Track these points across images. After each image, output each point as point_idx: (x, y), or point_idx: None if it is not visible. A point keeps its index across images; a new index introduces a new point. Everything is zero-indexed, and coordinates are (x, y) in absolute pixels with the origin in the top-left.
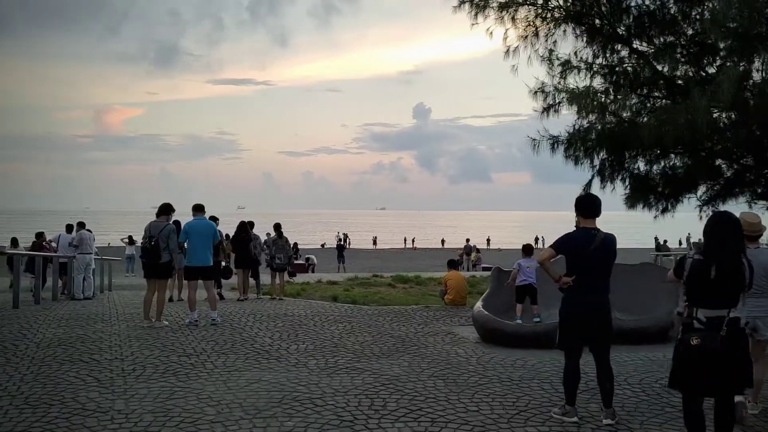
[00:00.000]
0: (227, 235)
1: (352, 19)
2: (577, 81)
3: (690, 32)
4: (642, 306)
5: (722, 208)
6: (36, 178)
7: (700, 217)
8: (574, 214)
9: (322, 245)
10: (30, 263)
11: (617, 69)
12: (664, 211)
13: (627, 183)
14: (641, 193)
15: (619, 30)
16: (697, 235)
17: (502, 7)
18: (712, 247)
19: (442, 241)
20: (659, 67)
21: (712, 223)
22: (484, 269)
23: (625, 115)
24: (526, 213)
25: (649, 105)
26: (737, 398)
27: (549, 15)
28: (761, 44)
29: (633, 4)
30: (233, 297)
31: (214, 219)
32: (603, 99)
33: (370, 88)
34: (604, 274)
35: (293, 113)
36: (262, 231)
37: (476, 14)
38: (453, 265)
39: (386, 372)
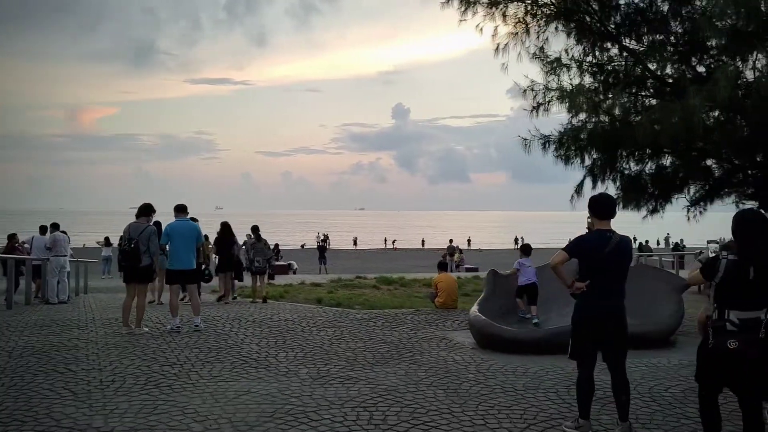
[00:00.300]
0: (205, 236)
1: (332, 19)
2: (567, 79)
3: (680, 30)
4: (642, 309)
5: (710, 208)
6: (8, 178)
7: (688, 218)
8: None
9: (302, 246)
10: (2, 265)
11: (607, 67)
12: (653, 211)
13: (618, 183)
14: (633, 194)
15: (608, 27)
16: (677, 236)
17: (491, 3)
18: (745, 247)
19: (422, 242)
20: (651, 66)
21: (738, 222)
22: (468, 270)
23: (617, 113)
24: (504, 213)
25: (640, 104)
26: None
27: (539, 12)
28: (759, 42)
29: (623, 2)
30: (212, 299)
31: (193, 220)
32: (595, 97)
33: (349, 88)
34: (619, 277)
35: (272, 113)
36: (241, 232)
37: (465, 10)
38: (443, 267)
39: (382, 381)
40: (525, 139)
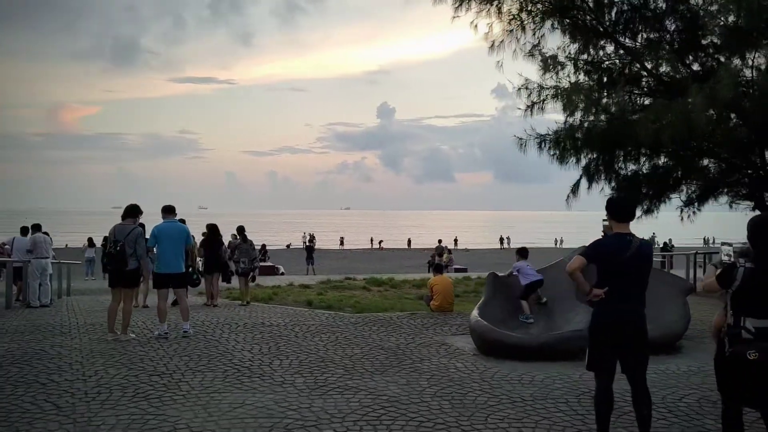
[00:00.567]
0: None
1: (317, 19)
2: (563, 77)
3: (674, 28)
4: (647, 314)
5: (704, 208)
6: None
7: (681, 219)
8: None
9: (288, 246)
10: None
11: (603, 65)
12: (648, 211)
13: (613, 183)
14: (630, 193)
15: (604, 25)
16: (664, 236)
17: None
18: (764, 254)
19: (409, 242)
20: (648, 64)
21: (755, 227)
22: (457, 270)
23: (614, 110)
24: (489, 213)
25: (638, 102)
26: None
27: (534, 8)
28: (759, 40)
29: None
30: (199, 301)
31: (181, 221)
32: (592, 95)
33: (334, 87)
34: (639, 283)
35: (257, 113)
36: (226, 233)
37: (458, 6)
38: (438, 269)
39: (383, 391)
40: (520, 139)
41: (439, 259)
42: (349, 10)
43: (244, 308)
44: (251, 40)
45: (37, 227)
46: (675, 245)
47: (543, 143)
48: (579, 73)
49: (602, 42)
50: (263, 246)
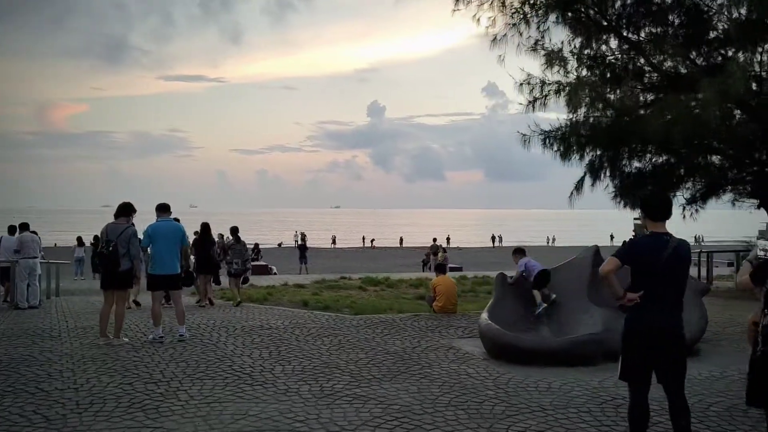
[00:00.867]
0: None
1: (308, 17)
2: (566, 72)
3: (678, 22)
4: None
5: (707, 206)
6: None
7: (684, 217)
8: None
9: (279, 244)
10: None
11: (606, 60)
12: None
13: (618, 180)
14: (638, 191)
15: (607, 18)
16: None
17: None
18: None
19: (401, 240)
20: (654, 59)
21: None
22: (452, 269)
23: (620, 106)
24: (480, 211)
25: (642, 98)
26: None
27: (537, 1)
28: None
29: None
30: (192, 301)
31: (175, 219)
32: (599, 89)
33: (325, 86)
34: (676, 287)
35: (247, 111)
36: (216, 231)
37: None
38: (441, 269)
39: (394, 400)
40: (524, 135)
41: (434, 258)
42: (339, 8)
43: (240, 310)
44: (242, 38)
45: (24, 226)
46: None
47: (547, 139)
48: (582, 68)
49: (605, 36)
50: (256, 245)
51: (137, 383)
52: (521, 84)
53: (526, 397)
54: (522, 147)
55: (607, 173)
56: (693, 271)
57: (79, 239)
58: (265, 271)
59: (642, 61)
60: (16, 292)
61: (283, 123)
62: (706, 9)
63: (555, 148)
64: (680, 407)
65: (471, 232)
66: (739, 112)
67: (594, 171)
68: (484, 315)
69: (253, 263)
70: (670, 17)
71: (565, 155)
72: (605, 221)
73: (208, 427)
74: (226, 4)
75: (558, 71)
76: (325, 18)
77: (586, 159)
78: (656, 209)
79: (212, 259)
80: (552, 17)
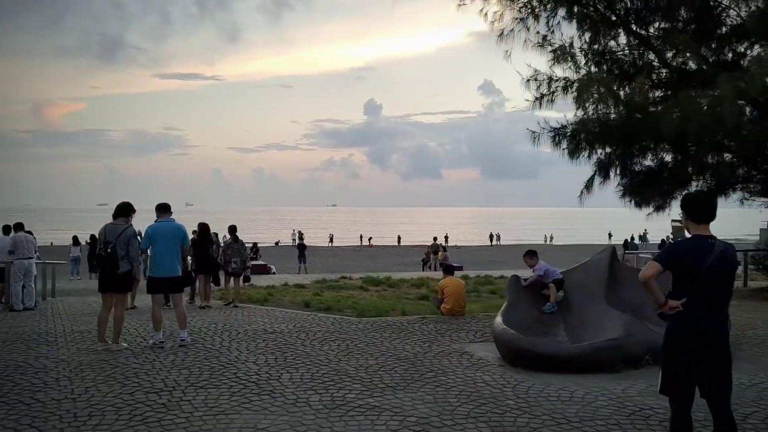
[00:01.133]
0: None
1: (305, 16)
2: (575, 68)
3: (688, 17)
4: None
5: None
6: None
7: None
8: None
9: (276, 243)
10: None
11: (615, 56)
12: (659, 208)
13: (629, 178)
14: (650, 189)
15: (616, 12)
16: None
17: None
18: None
19: (399, 239)
20: (665, 55)
21: None
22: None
23: (632, 102)
24: (476, 209)
25: (651, 95)
26: None
27: None
28: None
29: None
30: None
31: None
32: (611, 85)
33: (321, 84)
34: (722, 294)
35: (243, 109)
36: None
37: None
38: (449, 270)
39: (410, 411)
40: (533, 132)
41: (434, 256)
42: (336, 7)
43: (241, 312)
44: (238, 36)
45: (19, 226)
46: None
47: (557, 137)
48: (590, 64)
49: (614, 32)
50: (255, 244)
51: (138, 393)
52: (528, 80)
53: (549, 408)
54: (531, 144)
55: (617, 171)
56: None
57: (75, 238)
58: (264, 270)
59: (652, 56)
60: (11, 293)
61: (280, 121)
62: (716, 3)
63: (563, 146)
64: (726, 424)
65: (468, 230)
66: (749, 109)
67: (603, 169)
68: (499, 319)
69: (252, 263)
70: (680, 12)
71: (573, 153)
72: (605, 219)
73: None
74: (222, 2)
75: (569, 67)
76: (322, 16)
77: (595, 157)
78: (701, 210)
79: (211, 259)
80: (561, 12)
